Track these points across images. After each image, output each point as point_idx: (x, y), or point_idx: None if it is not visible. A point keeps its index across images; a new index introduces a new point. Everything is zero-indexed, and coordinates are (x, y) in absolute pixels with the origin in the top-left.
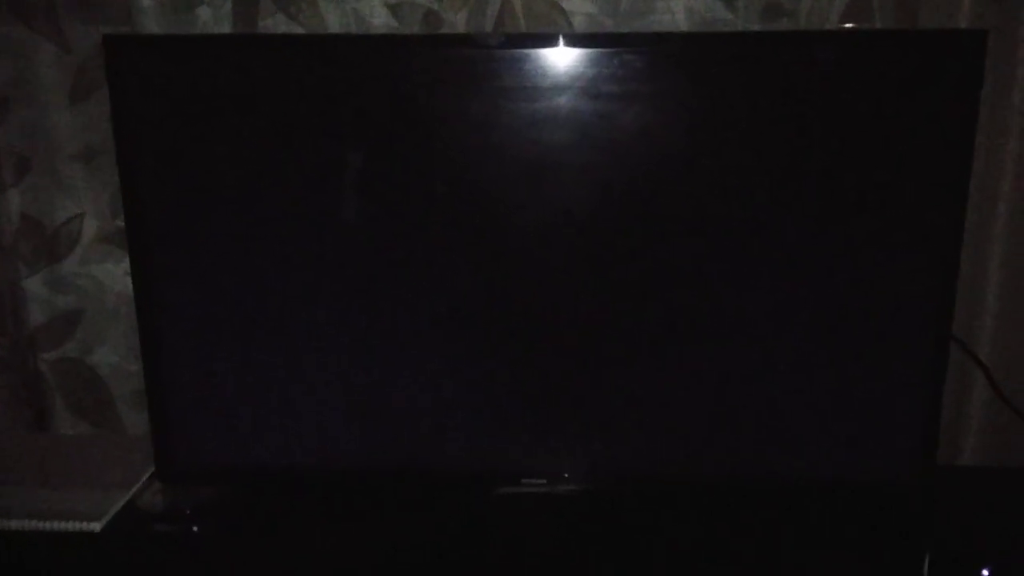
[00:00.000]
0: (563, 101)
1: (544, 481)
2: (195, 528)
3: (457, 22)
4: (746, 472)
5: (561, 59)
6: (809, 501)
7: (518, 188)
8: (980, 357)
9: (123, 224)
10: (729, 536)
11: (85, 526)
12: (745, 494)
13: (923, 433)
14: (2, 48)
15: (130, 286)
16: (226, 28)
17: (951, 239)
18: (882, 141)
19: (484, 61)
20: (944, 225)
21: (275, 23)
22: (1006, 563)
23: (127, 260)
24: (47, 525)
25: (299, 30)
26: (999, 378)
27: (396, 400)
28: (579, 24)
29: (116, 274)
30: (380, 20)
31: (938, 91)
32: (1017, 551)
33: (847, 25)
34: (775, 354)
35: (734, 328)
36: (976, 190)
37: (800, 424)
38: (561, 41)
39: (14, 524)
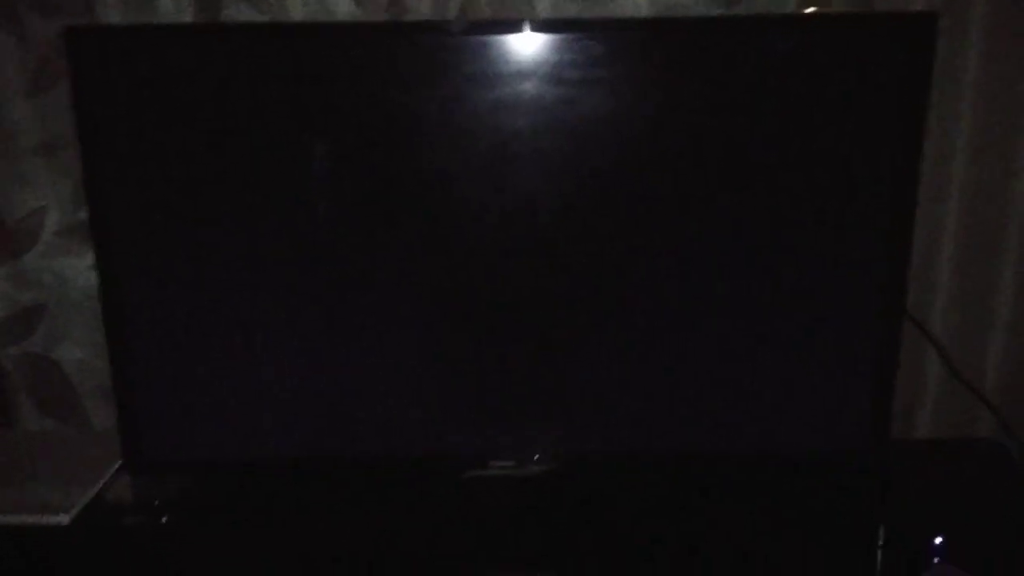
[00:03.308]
0: (528, 87)
1: (512, 463)
2: (164, 519)
3: (421, 9)
4: (705, 448)
5: (525, 45)
6: (766, 475)
7: (484, 174)
8: (933, 334)
9: (85, 217)
10: (686, 510)
11: (53, 519)
12: (703, 469)
13: (877, 408)
14: None
15: (93, 280)
16: (188, 18)
17: (904, 219)
18: (837, 122)
19: (448, 48)
20: (898, 205)
21: (238, 12)
22: (958, 531)
23: (90, 254)
24: (15, 518)
25: (262, 19)
26: (952, 355)
27: (364, 387)
28: (543, 10)
29: (79, 268)
30: (344, 8)
31: (891, 73)
32: (969, 519)
33: (808, 10)
34: (732, 332)
35: (693, 308)
36: (928, 170)
37: (757, 400)
38: (525, 27)
39: None
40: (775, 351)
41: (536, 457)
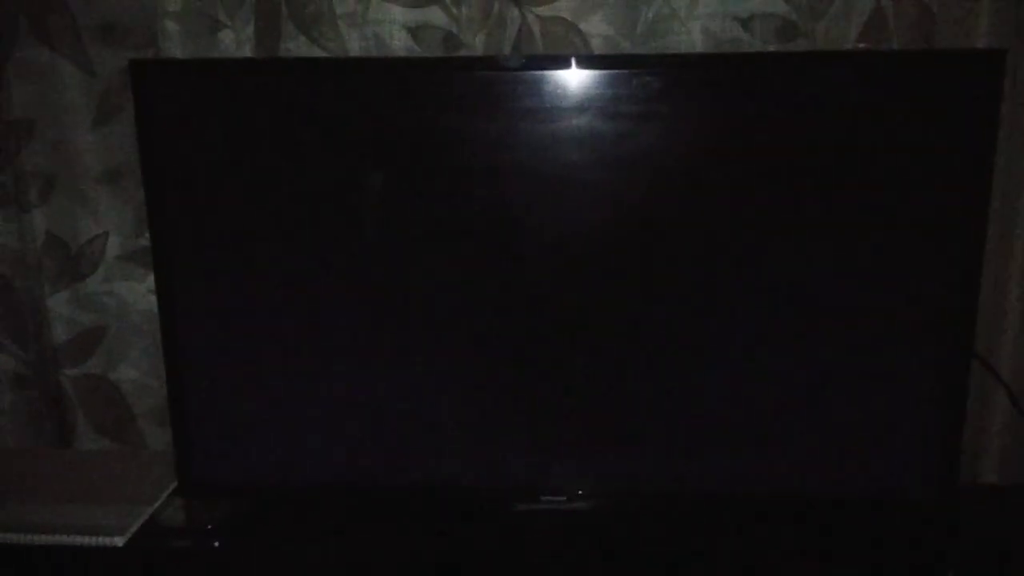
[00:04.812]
0: (581, 122)
1: (564, 498)
2: (216, 543)
3: (476, 44)
4: (768, 489)
5: (579, 80)
6: (832, 518)
7: (537, 207)
8: (1001, 375)
9: (145, 243)
10: (750, 553)
11: (108, 541)
12: (767, 511)
13: (945, 451)
14: (28, 72)
15: (152, 304)
16: (248, 52)
17: (972, 258)
18: (902, 160)
19: (503, 83)
20: (965, 244)
21: (297, 46)
22: None
23: (149, 278)
24: (70, 540)
25: (320, 53)
26: (1021, 396)
27: (416, 418)
28: (596, 46)
29: (139, 292)
30: (400, 43)
31: (957, 110)
32: None
33: (862, 45)
34: (798, 373)
35: (755, 347)
36: (996, 209)
37: (823, 442)
38: (579, 63)
39: (38, 539)
40: (840, 392)
41: (579, 492)
